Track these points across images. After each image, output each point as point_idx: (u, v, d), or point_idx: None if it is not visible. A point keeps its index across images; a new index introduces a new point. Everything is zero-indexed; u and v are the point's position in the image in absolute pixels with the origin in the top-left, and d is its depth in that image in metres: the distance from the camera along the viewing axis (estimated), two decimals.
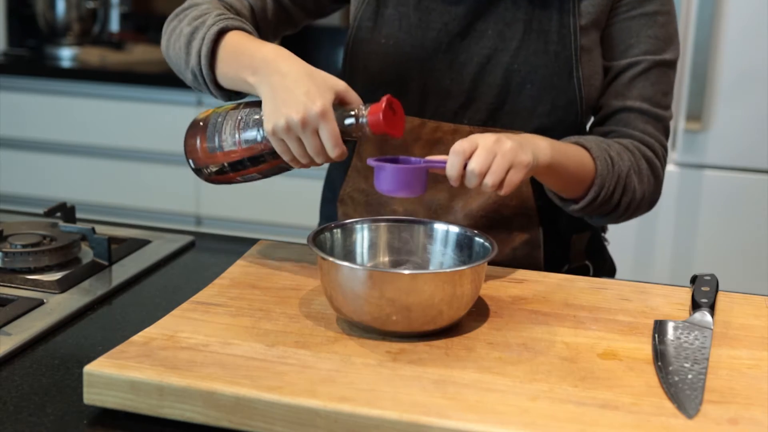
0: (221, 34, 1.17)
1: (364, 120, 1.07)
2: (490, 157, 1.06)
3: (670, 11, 1.31)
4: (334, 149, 1.06)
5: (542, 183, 1.23)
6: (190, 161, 1.19)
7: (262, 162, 1.14)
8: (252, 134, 1.12)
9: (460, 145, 1.07)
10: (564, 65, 1.27)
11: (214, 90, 1.20)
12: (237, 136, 1.13)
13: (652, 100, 1.30)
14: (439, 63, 1.29)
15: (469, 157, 1.06)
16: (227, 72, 1.16)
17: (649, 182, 1.29)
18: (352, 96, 1.10)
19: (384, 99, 1.07)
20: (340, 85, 1.09)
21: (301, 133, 1.06)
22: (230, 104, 1.18)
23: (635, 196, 1.27)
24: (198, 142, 1.17)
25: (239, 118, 1.14)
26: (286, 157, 1.10)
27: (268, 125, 1.07)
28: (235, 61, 1.14)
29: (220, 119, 1.16)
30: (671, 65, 1.31)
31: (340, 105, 1.09)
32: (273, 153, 1.11)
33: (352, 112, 1.08)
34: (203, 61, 1.17)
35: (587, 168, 1.22)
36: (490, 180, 1.06)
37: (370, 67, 1.31)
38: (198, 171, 1.19)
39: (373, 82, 1.31)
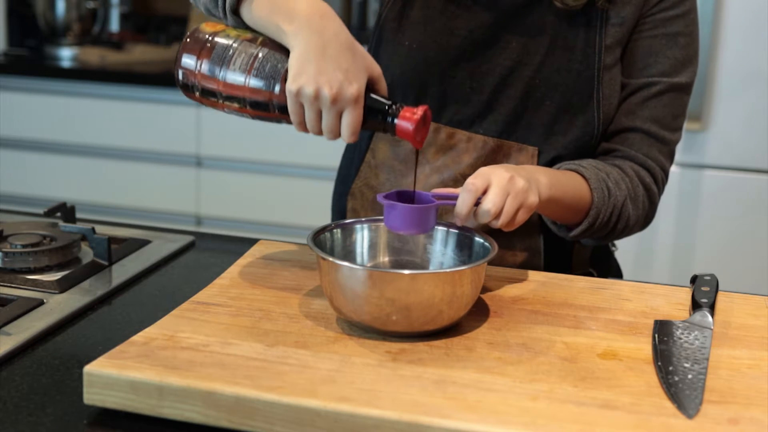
0: None
1: (393, 121, 1.03)
2: (504, 196, 1.06)
3: (693, 32, 1.30)
4: (351, 136, 1.03)
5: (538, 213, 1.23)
6: (180, 73, 1.11)
7: (263, 109, 1.07)
8: (266, 82, 1.05)
9: (473, 183, 1.05)
10: (586, 85, 1.26)
11: (231, 17, 1.11)
12: (248, 75, 1.05)
13: (662, 122, 1.29)
14: (460, 70, 1.28)
15: (481, 195, 1.06)
16: (258, 10, 1.07)
17: (644, 207, 1.30)
18: (382, 85, 1.07)
19: (421, 110, 1.03)
20: (376, 70, 1.06)
21: (326, 108, 1.02)
22: (245, 32, 1.10)
23: (629, 223, 1.28)
24: (197, 60, 1.09)
25: (256, 56, 1.06)
26: (294, 119, 1.05)
27: (293, 85, 1.02)
28: (273, 2, 1.06)
29: (231, 47, 1.07)
30: (686, 88, 1.30)
31: (368, 89, 1.05)
32: (281, 107, 1.06)
33: (384, 107, 1.04)
34: None
35: (584, 200, 1.22)
36: (500, 221, 1.06)
37: (392, 67, 1.30)
38: (184, 86, 1.11)
39: (393, 83, 1.30)
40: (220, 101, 1.09)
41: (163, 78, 2.91)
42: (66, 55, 3.13)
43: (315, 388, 0.87)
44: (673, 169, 2.46)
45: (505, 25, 1.27)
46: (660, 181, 1.32)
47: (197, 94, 1.11)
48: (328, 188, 1.56)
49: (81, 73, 3.01)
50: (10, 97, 3.05)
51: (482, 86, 1.28)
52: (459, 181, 1.29)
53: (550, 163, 1.28)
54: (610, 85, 1.27)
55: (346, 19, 3.29)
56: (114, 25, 3.36)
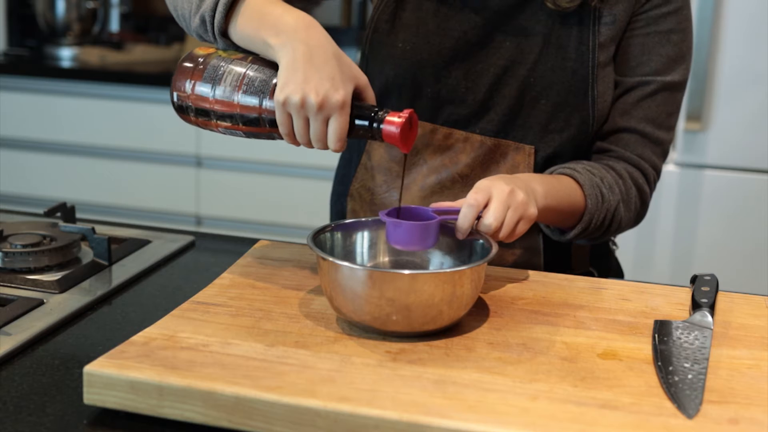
0: None
1: (379, 126, 1.04)
2: (505, 210, 1.07)
3: (686, 29, 1.30)
4: (337, 143, 1.04)
5: None
6: (175, 95, 1.13)
7: (254, 125, 1.09)
8: (255, 97, 1.07)
9: (474, 198, 1.07)
10: (580, 83, 1.26)
11: (220, 40, 1.12)
12: (238, 92, 1.08)
13: (656, 121, 1.30)
14: (455, 71, 1.28)
15: (482, 208, 1.07)
16: (245, 28, 1.09)
17: (636, 208, 1.32)
18: (369, 94, 1.08)
19: (406, 113, 1.05)
20: (362, 79, 1.07)
21: (312, 115, 1.03)
22: (236, 53, 1.12)
23: (621, 225, 1.30)
24: (190, 81, 1.11)
25: (245, 74, 1.08)
26: (283, 130, 1.06)
27: (281, 94, 1.03)
28: (259, 19, 1.08)
29: (222, 67, 1.10)
30: (680, 86, 1.31)
31: (355, 99, 1.06)
32: (271, 121, 1.07)
33: (370, 114, 1.05)
34: (220, 8, 1.10)
35: (578, 206, 1.24)
36: (501, 234, 1.08)
37: (387, 69, 1.30)
38: (179, 108, 1.13)
39: (387, 85, 1.30)
40: (214, 120, 1.11)
41: (163, 78, 2.91)
42: (66, 55, 3.13)
43: (315, 388, 0.87)
44: (673, 169, 2.46)
45: (497, 25, 1.27)
46: (652, 180, 1.33)
47: (192, 115, 1.13)
48: (327, 188, 1.56)
49: (81, 73, 3.01)
50: (10, 97, 3.05)
51: (477, 86, 1.28)
52: (457, 181, 1.29)
53: (546, 161, 1.29)
54: (604, 83, 1.28)
55: (346, 19, 3.29)
56: (114, 25, 3.36)
